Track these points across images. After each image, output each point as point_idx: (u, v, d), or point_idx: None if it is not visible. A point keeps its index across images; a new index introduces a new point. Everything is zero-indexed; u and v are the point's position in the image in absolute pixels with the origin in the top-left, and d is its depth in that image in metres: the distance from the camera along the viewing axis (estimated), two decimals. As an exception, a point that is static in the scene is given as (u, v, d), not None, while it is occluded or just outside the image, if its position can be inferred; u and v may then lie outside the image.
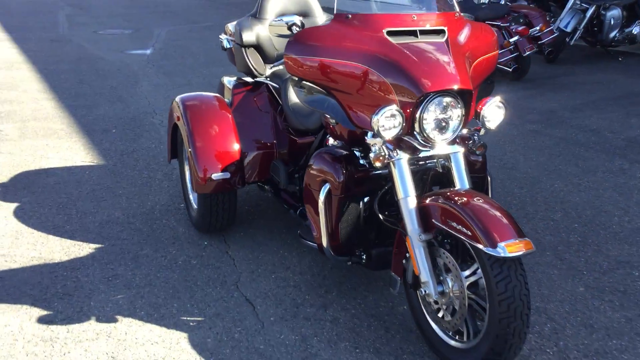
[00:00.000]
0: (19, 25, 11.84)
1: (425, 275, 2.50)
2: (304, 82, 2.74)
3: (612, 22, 8.15)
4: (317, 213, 2.81)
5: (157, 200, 4.21)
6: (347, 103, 2.62)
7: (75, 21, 12.47)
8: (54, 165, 4.83)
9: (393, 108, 2.42)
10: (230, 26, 4.01)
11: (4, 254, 3.50)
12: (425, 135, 2.52)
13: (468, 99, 2.56)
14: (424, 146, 2.55)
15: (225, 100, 3.78)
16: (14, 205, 4.11)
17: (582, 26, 8.10)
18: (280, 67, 3.49)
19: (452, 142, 2.60)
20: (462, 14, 2.91)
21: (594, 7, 8.09)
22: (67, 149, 5.19)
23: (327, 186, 2.75)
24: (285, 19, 2.81)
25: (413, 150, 2.57)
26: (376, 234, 2.88)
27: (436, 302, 2.55)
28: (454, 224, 2.35)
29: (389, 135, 2.45)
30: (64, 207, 4.10)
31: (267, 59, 3.75)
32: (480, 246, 2.24)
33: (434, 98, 2.46)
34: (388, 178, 2.68)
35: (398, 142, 2.58)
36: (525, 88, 7.17)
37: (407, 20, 2.62)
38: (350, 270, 3.31)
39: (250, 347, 2.74)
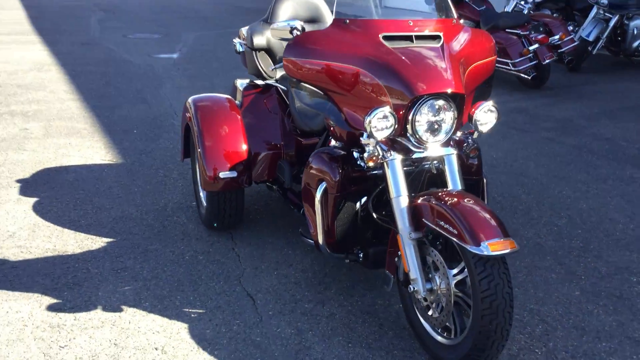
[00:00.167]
0: (51, 28, 12.16)
1: (414, 272, 2.58)
2: (302, 84, 2.85)
3: (635, 32, 8.13)
4: (315, 211, 2.91)
5: (171, 198, 4.35)
6: (343, 104, 2.72)
7: (106, 25, 12.75)
8: (75, 162, 5.00)
9: (385, 109, 2.51)
10: (244, 30, 4.14)
11: (21, 245, 3.65)
12: (417, 136, 2.60)
13: (461, 102, 2.63)
14: (418, 148, 2.64)
15: (236, 102, 3.90)
16: (33, 199, 4.28)
17: (604, 35, 8.09)
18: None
19: (446, 144, 2.68)
20: (462, 21, 3.00)
21: (617, 17, 8.07)
22: (88, 147, 5.37)
23: (323, 185, 2.84)
24: (287, 22, 2.92)
25: (407, 152, 2.65)
26: (374, 234, 2.96)
27: (425, 299, 2.63)
28: (442, 223, 2.42)
29: (381, 135, 2.54)
30: (81, 203, 4.25)
31: (276, 62, 3.86)
32: (465, 244, 2.31)
33: (427, 100, 2.54)
34: (383, 178, 2.76)
35: (392, 143, 2.66)
36: (544, 96, 7.18)
37: (403, 25, 2.71)
38: (350, 269, 3.40)
39: (247, 339, 2.85)
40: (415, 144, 2.63)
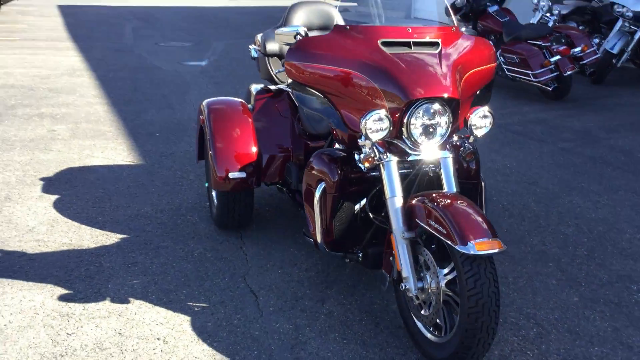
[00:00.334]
0: (86, 35, 12.50)
1: (406, 270, 2.65)
2: (304, 87, 2.95)
3: (661, 45, 8.08)
4: (314, 210, 3.00)
5: (185, 198, 4.48)
6: (342, 107, 2.82)
7: (139, 33, 13.07)
8: (97, 163, 5.17)
9: (381, 112, 2.60)
10: (259, 37, 4.26)
11: (39, 239, 3.81)
12: (413, 139, 2.68)
13: (456, 107, 2.71)
14: (413, 150, 2.72)
15: (249, 105, 4.02)
16: (54, 197, 4.45)
17: (629, 48, 8.05)
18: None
19: (442, 147, 2.75)
20: (462, 29, 3.08)
21: (642, 30, 8.03)
22: (111, 149, 5.54)
23: (322, 184, 2.93)
24: (291, 28, 3.03)
25: (402, 154, 2.73)
26: (374, 235, 3.04)
27: (417, 298, 2.69)
28: (433, 223, 2.50)
29: (376, 137, 2.63)
30: (100, 201, 4.41)
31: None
32: (453, 244, 2.38)
33: (422, 104, 2.63)
34: (380, 180, 2.84)
35: (389, 146, 2.75)
36: (564, 108, 7.18)
37: (402, 32, 2.80)
38: (353, 269, 3.48)
39: (245, 333, 2.94)
40: (411, 146, 2.71)
